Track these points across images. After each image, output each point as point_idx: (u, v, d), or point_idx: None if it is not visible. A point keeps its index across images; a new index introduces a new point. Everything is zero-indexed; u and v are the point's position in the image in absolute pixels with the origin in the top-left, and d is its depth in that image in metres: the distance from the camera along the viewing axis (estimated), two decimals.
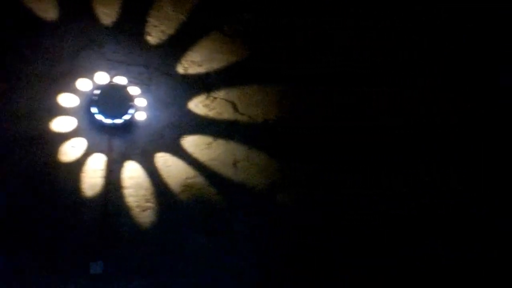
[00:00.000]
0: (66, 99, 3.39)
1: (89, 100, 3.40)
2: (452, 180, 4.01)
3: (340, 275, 3.80)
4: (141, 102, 3.53)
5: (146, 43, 3.62)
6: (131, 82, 3.53)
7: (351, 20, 3.97)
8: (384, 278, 3.84)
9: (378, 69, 3.95)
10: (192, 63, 3.73)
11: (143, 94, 3.57)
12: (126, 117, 3.49)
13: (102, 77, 3.40)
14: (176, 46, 3.69)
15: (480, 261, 3.90)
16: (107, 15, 3.57)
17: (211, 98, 3.78)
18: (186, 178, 3.66)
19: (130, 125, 3.56)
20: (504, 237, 3.94)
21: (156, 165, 3.61)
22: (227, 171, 3.76)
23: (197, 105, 3.74)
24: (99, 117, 3.40)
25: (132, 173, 3.52)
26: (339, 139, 3.92)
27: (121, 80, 3.47)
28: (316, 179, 3.86)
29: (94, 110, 3.38)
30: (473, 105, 4.09)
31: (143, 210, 3.56)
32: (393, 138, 3.97)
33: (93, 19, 3.53)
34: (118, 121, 3.46)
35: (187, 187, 3.65)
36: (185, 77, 3.72)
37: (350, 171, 3.94)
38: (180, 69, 3.71)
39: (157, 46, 3.66)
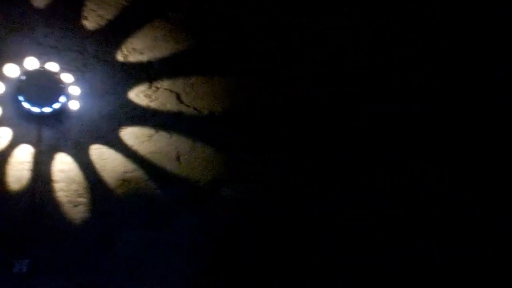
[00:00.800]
0: None
1: (16, 87, 2.41)
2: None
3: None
4: (74, 90, 2.52)
5: (82, 28, 2.55)
6: (63, 69, 2.50)
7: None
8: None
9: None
10: (133, 51, 2.64)
11: (77, 81, 2.54)
12: (56, 105, 2.45)
13: (31, 63, 2.38)
14: (116, 32, 2.61)
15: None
16: None
17: (154, 88, 2.67)
18: (124, 172, 2.62)
19: (61, 114, 2.50)
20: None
21: (91, 158, 2.57)
22: (169, 165, 2.72)
23: (138, 95, 2.66)
24: (26, 105, 2.39)
25: (63, 166, 2.51)
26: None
27: (52, 66, 2.45)
28: (270, 174, 2.86)
29: (20, 97, 2.38)
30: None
31: (75, 206, 2.52)
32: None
33: (24, 0, 2.46)
34: (46, 109, 2.44)
35: (124, 181, 2.62)
36: (125, 65, 2.63)
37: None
38: (120, 57, 2.62)
39: (94, 32, 2.58)
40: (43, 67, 2.48)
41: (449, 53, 3.12)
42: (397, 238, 3.00)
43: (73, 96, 2.58)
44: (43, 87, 2.43)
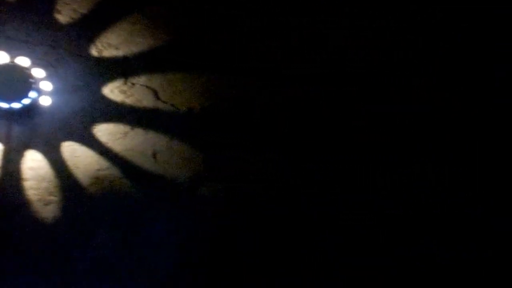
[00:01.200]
0: None
1: None
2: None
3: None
4: (46, 85, 2.36)
5: (55, 21, 2.40)
6: (35, 64, 2.33)
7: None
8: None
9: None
10: (108, 46, 2.50)
11: (49, 77, 2.38)
12: (26, 101, 2.32)
13: (1, 57, 2.26)
14: (90, 26, 2.47)
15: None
16: None
17: (129, 84, 2.53)
18: (98, 170, 2.46)
19: (32, 110, 2.36)
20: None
21: (63, 155, 2.40)
22: (145, 163, 2.54)
23: (113, 91, 2.50)
24: None
25: (33, 164, 2.37)
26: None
27: (23, 61, 2.31)
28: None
29: None
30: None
31: (46, 204, 2.36)
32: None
33: None
34: (15, 105, 2.31)
35: (98, 179, 2.46)
36: (99, 60, 2.49)
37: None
38: (94, 51, 2.49)
39: (68, 26, 2.44)
40: (13, 62, 2.33)
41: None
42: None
43: (45, 92, 2.40)
44: (12, 82, 2.31)
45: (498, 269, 2.87)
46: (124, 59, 2.57)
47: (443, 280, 2.84)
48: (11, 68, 2.32)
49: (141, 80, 2.59)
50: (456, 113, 3.01)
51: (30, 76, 2.33)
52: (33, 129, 2.40)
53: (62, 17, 2.47)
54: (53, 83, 2.42)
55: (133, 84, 2.57)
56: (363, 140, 2.91)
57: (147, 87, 2.59)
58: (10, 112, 2.35)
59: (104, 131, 2.51)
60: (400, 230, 2.87)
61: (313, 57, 2.89)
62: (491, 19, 3.07)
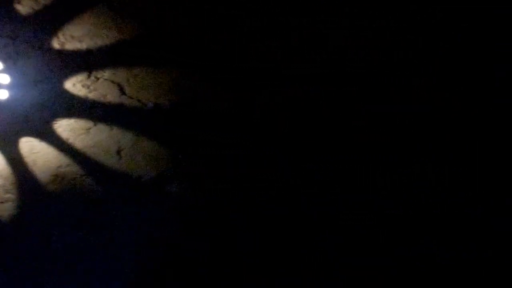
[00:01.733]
0: None
1: None
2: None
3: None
4: (3, 78, 2.25)
5: (14, 12, 2.23)
6: None
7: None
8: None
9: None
10: (70, 38, 2.32)
11: (7, 69, 2.24)
12: None
13: None
14: (52, 17, 2.28)
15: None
16: None
17: (93, 78, 2.38)
18: (58, 167, 2.37)
19: None
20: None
21: (20, 152, 2.31)
22: (108, 160, 2.45)
23: (75, 85, 2.36)
24: None
25: None
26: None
27: None
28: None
29: None
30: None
31: (1, 203, 2.33)
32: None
33: None
34: None
35: (58, 177, 2.37)
36: (61, 53, 2.32)
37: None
38: (56, 44, 2.31)
39: (28, 17, 2.26)
40: None
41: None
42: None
43: (2, 85, 2.23)
44: None
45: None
46: (88, 52, 2.34)
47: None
48: None
49: (106, 74, 2.36)
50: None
51: None
52: None
53: (23, 8, 2.24)
54: (11, 76, 2.22)
55: (97, 78, 2.36)
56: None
57: (112, 81, 2.38)
58: None
59: (65, 127, 2.33)
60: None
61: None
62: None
